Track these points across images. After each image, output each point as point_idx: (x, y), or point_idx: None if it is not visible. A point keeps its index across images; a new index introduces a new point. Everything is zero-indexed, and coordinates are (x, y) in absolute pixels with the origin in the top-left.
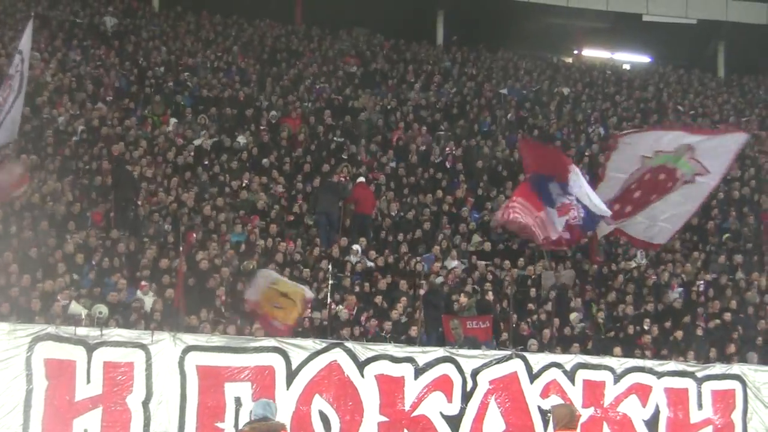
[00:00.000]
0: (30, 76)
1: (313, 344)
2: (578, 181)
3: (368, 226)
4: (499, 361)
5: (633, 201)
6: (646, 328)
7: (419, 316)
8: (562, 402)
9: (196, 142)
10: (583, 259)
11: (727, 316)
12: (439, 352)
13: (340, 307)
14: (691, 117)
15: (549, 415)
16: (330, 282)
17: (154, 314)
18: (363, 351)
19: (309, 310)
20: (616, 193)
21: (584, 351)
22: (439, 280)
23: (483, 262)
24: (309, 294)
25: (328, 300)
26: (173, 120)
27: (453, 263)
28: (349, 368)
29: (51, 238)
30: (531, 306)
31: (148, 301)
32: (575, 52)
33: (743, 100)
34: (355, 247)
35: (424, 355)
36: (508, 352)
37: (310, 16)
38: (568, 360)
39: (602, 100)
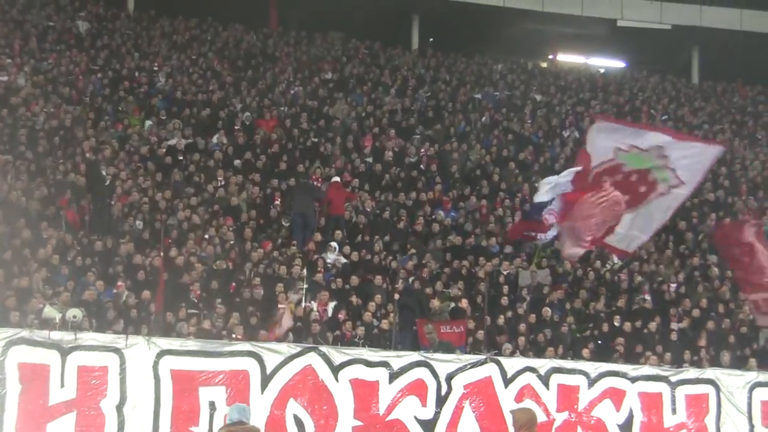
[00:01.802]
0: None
1: (287, 348)
2: None
3: (342, 226)
4: (474, 365)
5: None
6: (617, 324)
7: (393, 318)
8: (523, 406)
9: (171, 143)
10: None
11: (696, 312)
12: (414, 356)
13: (313, 303)
14: (663, 122)
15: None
16: (305, 286)
17: (131, 310)
18: (338, 355)
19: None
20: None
21: (558, 352)
22: (412, 279)
23: (458, 261)
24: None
25: (303, 303)
26: (148, 122)
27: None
28: (324, 372)
29: (26, 236)
30: (504, 301)
31: (124, 299)
32: (550, 57)
33: (718, 107)
34: (333, 244)
35: (398, 359)
36: (483, 357)
37: (285, 21)
38: (543, 364)
39: (576, 104)
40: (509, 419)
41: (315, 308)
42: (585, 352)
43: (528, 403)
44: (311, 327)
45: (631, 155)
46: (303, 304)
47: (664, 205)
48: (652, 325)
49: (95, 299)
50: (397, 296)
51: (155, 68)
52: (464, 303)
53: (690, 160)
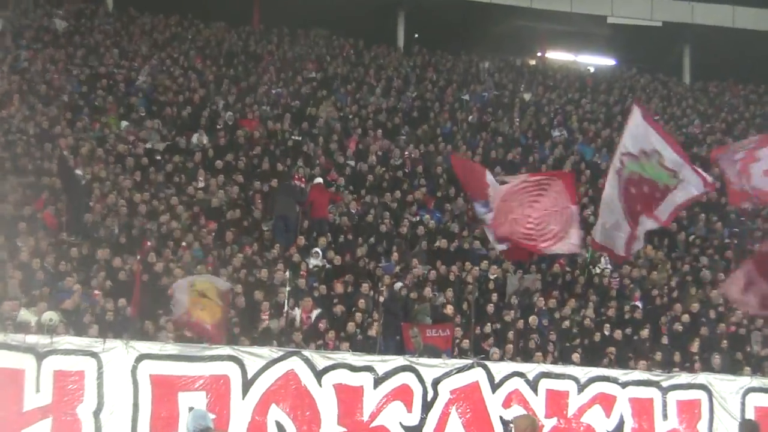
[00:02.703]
0: None
1: (269, 353)
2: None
3: (326, 230)
4: (460, 370)
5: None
6: (606, 333)
7: (378, 325)
8: (524, 413)
9: (150, 144)
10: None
11: (686, 317)
12: (399, 360)
13: (297, 309)
14: (654, 121)
15: (511, 425)
16: (287, 289)
17: (107, 314)
18: (321, 360)
19: (266, 317)
20: None
21: (547, 359)
22: (398, 285)
23: (445, 266)
24: (223, 285)
25: (286, 308)
26: (124, 123)
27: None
28: (307, 377)
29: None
30: (491, 308)
31: (103, 305)
32: (539, 54)
33: (709, 106)
34: (317, 250)
35: (383, 363)
36: (470, 361)
37: (268, 18)
38: (531, 369)
39: (566, 102)
40: (499, 427)
41: (298, 315)
42: (574, 356)
43: (516, 409)
44: (294, 336)
45: (641, 163)
46: (285, 310)
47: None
48: (644, 333)
49: (72, 307)
50: (381, 299)
51: (135, 66)
52: (450, 309)
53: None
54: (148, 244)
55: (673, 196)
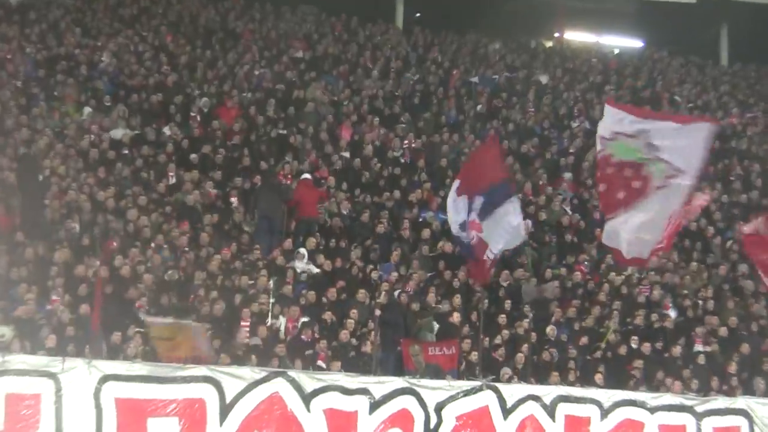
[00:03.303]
0: None
1: (251, 373)
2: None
3: (315, 231)
4: (468, 393)
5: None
6: (634, 346)
7: (374, 338)
8: None
9: (115, 135)
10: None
11: (723, 331)
12: (398, 382)
13: (281, 318)
14: (689, 110)
15: None
16: (271, 300)
17: (66, 329)
18: (309, 381)
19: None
20: None
21: (565, 379)
22: (397, 292)
23: (450, 271)
24: (189, 326)
25: (269, 320)
26: (87, 109)
27: (415, 271)
28: (293, 401)
29: None
30: (503, 320)
31: (60, 315)
32: (556, 35)
33: (748, 91)
34: (302, 250)
35: (380, 386)
36: (478, 383)
37: None
38: (548, 392)
39: (587, 90)
40: None
41: (283, 325)
42: (597, 377)
43: None
44: (277, 348)
45: (618, 144)
46: (269, 320)
47: (667, 199)
48: (676, 350)
49: (27, 317)
50: (378, 312)
51: (99, 46)
52: (456, 318)
53: (681, 143)
54: (114, 244)
55: (660, 197)
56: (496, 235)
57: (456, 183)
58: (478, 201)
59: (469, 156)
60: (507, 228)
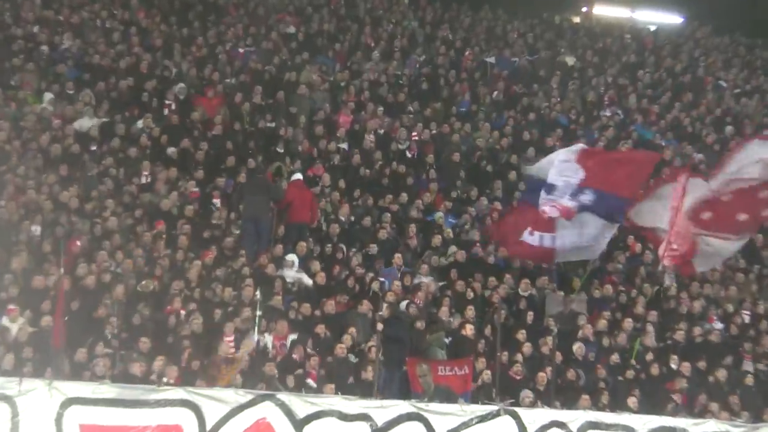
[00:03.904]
0: None
1: (234, 396)
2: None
3: (307, 237)
4: (483, 419)
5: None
6: (673, 366)
7: (376, 356)
8: None
9: (80, 126)
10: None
11: None
12: (403, 406)
13: (267, 335)
14: (734, 96)
15: None
16: (258, 313)
17: (24, 349)
18: (302, 405)
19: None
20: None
21: (596, 403)
22: (404, 304)
23: (463, 282)
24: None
25: (255, 336)
26: (49, 95)
27: (423, 280)
28: (283, 428)
29: None
30: (522, 336)
31: (17, 330)
32: (584, 9)
33: None
34: (290, 257)
35: (382, 410)
36: (495, 408)
37: None
38: (574, 418)
39: (619, 73)
40: None
41: (270, 343)
42: (630, 401)
43: None
44: (265, 368)
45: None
46: (255, 337)
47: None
48: (721, 374)
49: None
50: (380, 326)
51: (59, 21)
52: (468, 330)
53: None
54: (77, 244)
55: None
56: (574, 236)
57: (576, 152)
58: (590, 194)
59: (620, 150)
60: (587, 239)
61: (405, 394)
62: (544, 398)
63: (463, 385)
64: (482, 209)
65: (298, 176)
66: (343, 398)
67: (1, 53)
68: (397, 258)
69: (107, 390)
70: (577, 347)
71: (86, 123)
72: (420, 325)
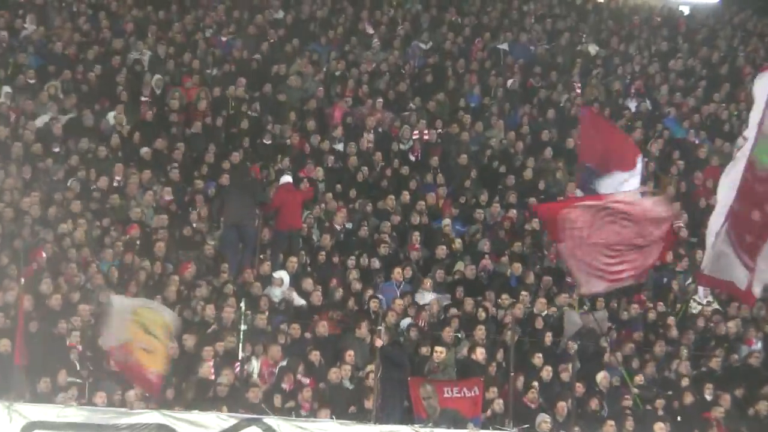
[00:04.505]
0: None
1: (216, 421)
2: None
3: (297, 249)
4: None
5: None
6: (708, 397)
7: (375, 377)
8: None
9: (42, 121)
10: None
11: None
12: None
13: (254, 362)
14: None
15: None
16: (242, 328)
17: None
18: (291, 430)
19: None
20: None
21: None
22: (405, 322)
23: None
24: (172, 320)
25: (240, 355)
26: (6, 89)
27: (427, 297)
28: None
29: None
30: (539, 360)
31: None
32: None
33: None
34: (279, 275)
35: None
36: None
37: None
38: None
39: (649, 60)
40: None
41: (256, 369)
42: (658, 428)
43: None
44: (250, 394)
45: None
46: (239, 360)
47: None
48: (763, 407)
49: None
50: (379, 343)
51: (20, 3)
52: (480, 354)
53: None
54: (42, 254)
55: None
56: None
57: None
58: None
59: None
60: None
61: (407, 418)
62: (564, 425)
63: (472, 409)
64: (493, 216)
65: (288, 178)
66: (337, 423)
67: None
68: (397, 273)
69: (74, 413)
70: (602, 377)
71: (49, 119)
72: (426, 350)
